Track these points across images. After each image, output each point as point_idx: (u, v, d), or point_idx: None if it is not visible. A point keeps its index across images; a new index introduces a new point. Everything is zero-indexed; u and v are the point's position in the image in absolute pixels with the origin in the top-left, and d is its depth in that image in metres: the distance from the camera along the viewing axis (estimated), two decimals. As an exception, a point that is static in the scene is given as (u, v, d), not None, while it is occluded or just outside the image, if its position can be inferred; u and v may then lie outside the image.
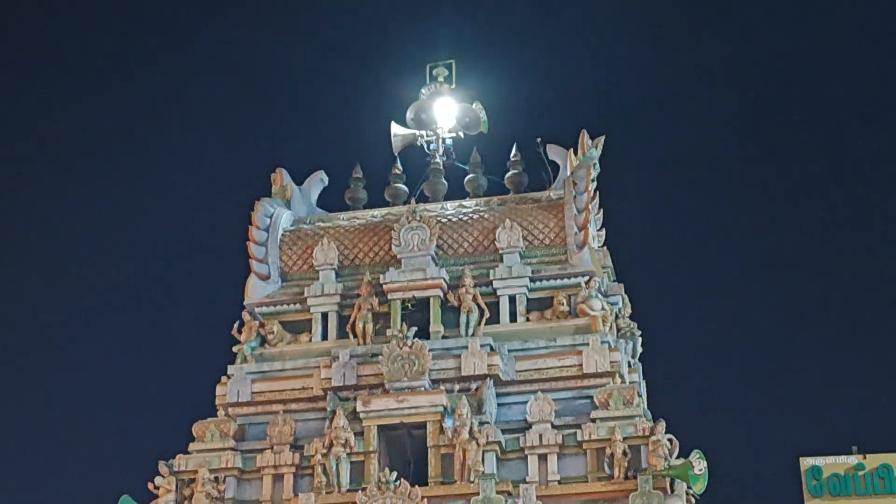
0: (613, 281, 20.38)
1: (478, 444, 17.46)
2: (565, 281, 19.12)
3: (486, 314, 18.89)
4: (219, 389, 19.08)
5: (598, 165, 20.23)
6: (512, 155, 21.53)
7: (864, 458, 36.35)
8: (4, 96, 40.90)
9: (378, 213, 20.80)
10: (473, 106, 22.21)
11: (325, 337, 19.33)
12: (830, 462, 36.43)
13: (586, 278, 18.99)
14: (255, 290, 19.81)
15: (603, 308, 18.92)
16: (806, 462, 36.46)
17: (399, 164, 21.84)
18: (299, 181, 21.48)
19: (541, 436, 17.67)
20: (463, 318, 18.84)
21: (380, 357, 18.25)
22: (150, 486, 18.27)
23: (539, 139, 21.28)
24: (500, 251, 19.36)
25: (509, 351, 18.49)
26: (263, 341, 19.53)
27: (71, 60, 41.92)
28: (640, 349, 20.48)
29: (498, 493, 16.95)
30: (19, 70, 41.53)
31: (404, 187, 21.50)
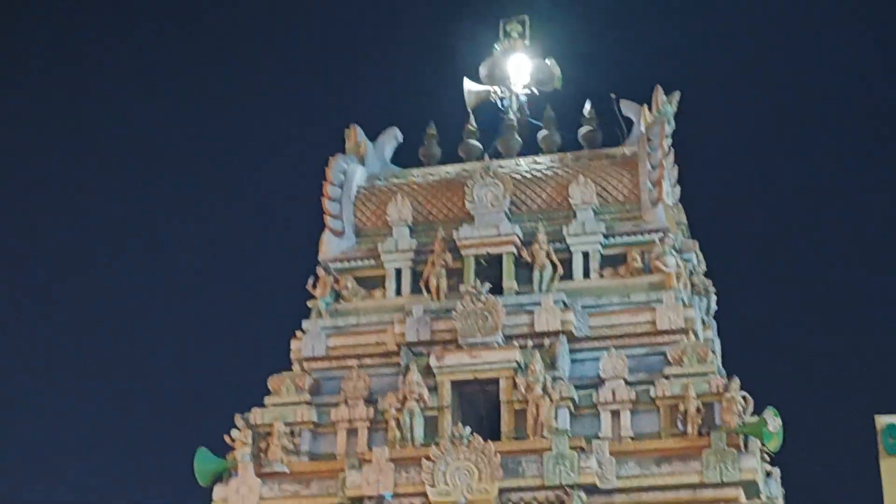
0: (688, 237, 20.28)
1: (551, 399, 17.50)
2: (639, 237, 19.05)
3: (560, 270, 18.88)
4: (294, 344, 19.24)
5: (672, 121, 20.10)
6: (586, 111, 21.44)
7: (941, 416, 36.05)
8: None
9: (452, 169, 20.82)
10: (547, 62, 22.14)
11: (398, 292, 19.43)
12: (906, 422, 36.15)
13: (660, 234, 18.91)
14: (330, 246, 19.94)
15: (677, 265, 18.85)
16: (881, 420, 36.23)
17: (473, 121, 21.82)
18: (373, 138, 21.54)
19: (614, 392, 17.67)
20: (536, 275, 18.85)
21: (453, 313, 18.32)
22: (227, 438, 18.49)
23: (613, 95, 21.17)
24: (574, 207, 19.32)
25: (583, 307, 18.49)
26: (338, 297, 19.67)
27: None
28: (714, 306, 20.39)
29: (571, 448, 16.95)
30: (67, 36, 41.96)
31: (478, 144, 21.49)
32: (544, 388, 17.52)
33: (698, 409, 17.24)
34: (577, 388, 17.78)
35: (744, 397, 17.33)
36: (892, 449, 36.15)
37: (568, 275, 18.96)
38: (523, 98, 21.98)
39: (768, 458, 17.94)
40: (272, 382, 18.90)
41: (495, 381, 17.99)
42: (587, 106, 21.47)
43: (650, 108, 20.46)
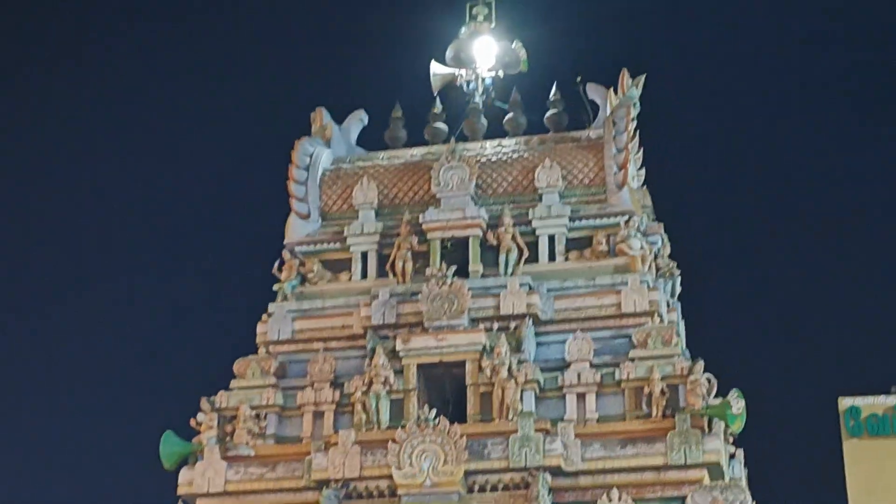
0: (653, 220, 20.35)
1: (516, 382, 17.54)
2: (605, 220, 19.11)
3: (525, 253, 18.92)
4: (259, 327, 19.21)
5: (638, 104, 20.14)
6: (552, 94, 21.45)
7: (903, 397, 36.34)
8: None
9: (417, 152, 20.81)
10: (513, 45, 22.15)
11: (364, 276, 19.42)
12: (869, 402, 36.50)
13: (626, 218, 18.97)
14: (295, 230, 19.91)
15: (642, 247, 18.91)
16: (844, 402, 36.53)
17: (438, 104, 21.80)
18: (339, 120, 21.50)
19: (579, 375, 17.73)
20: (502, 258, 18.89)
21: (419, 296, 18.34)
22: (193, 422, 18.45)
23: (579, 78, 21.20)
24: (540, 191, 19.35)
25: (548, 290, 18.54)
26: (304, 280, 19.65)
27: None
28: (679, 289, 20.49)
29: (536, 430, 17.00)
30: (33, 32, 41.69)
31: (444, 127, 21.48)
32: (510, 371, 17.57)
33: (663, 392, 17.33)
34: (542, 370, 17.83)
35: (708, 379, 17.42)
36: (854, 431, 36.51)
37: (534, 258, 19.00)
38: (489, 81, 21.99)
39: (732, 440, 18.06)
40: (238, 366, 18.86)
41: (461, 364, 18.02)
42: (553, 89, 21.50)
43: (616, 92, 20.50)
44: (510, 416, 17.33)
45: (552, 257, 19.02)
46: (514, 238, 18.93)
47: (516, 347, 17.93)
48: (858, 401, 36.31)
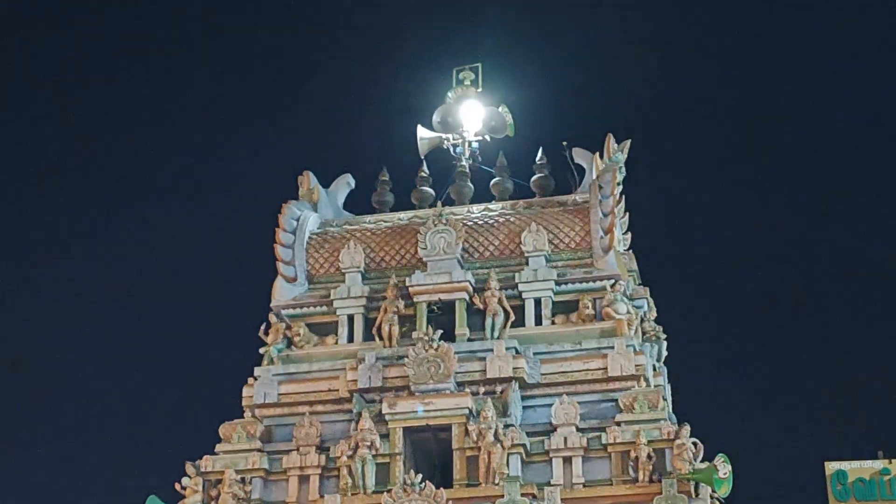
0: (639, 284, 20.41)
1: (503, 446, 17.51)
2: (591, 284, 19.16)
3: (512, 317, 18.94)
4: (245, 391, 19.16)
5: (623, 169, 20.27)
6: (538, 158, 21.59)
7: (891, 462, 36.32)
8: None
9: (404, 216, 20.88)
10: (500, 109, 22.29)
11: (351, 339, 19.41)
12: (856, 467, 36.41)
13: (612, 282, 19.02)
14: (282, 293, 19.92)
15: (628, 311, 18.95)
16: (831, 467, 36.44)
17: (425, 168, 21.92)
18: (326, 184, 21.58)
19: (565, 439, 17.71)
20: (488, 321, 18.90)
21: (405, 359, 18.32)
22: (178, 486, 18.35)
23: (565, 143, 21.35)
24: (526, 254, 19.41)
25: (534, 354, 18.54)
26: (290, 343, 19.63)
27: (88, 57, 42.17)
28: (665, 353, 20.50)
29: (522, 495, 16.97)
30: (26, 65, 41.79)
31: (430, 190, 21.58)
32: (496, 435, 17.53)
33: (649, 456, 17.31)
34: (529, 434, 17.80)
35: (694, 443, 17.40)
36: (841, 496, 36.33)
37: (520, 321, 19.02)
38: (476, 145, 22.11)
39: (719, 504, 18.01)
40: (223, 430, 18.79)
41: (447, 428, 17.99)
42: (539, 153, 21.63)
43: (601, 156, 20.62)
44: (496, 481, 17.28)
45: (539, 321, 19.04)
46: (500, 302, 18.96)
47: (503, 411, 17.91)
48: (845, 465, 36.28)
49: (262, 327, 19.82)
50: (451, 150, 22.12)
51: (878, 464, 37.12)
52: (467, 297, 19.12)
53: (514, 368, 18.21)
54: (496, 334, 18.78)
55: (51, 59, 41.92)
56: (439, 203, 20.93)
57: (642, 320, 19.77)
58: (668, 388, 20.10)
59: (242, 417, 19.04)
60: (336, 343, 19.42)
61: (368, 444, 17.84)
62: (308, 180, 21.30)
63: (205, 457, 18.56)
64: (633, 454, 17.39)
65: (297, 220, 20.38)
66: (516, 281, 19.17)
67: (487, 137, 22.21)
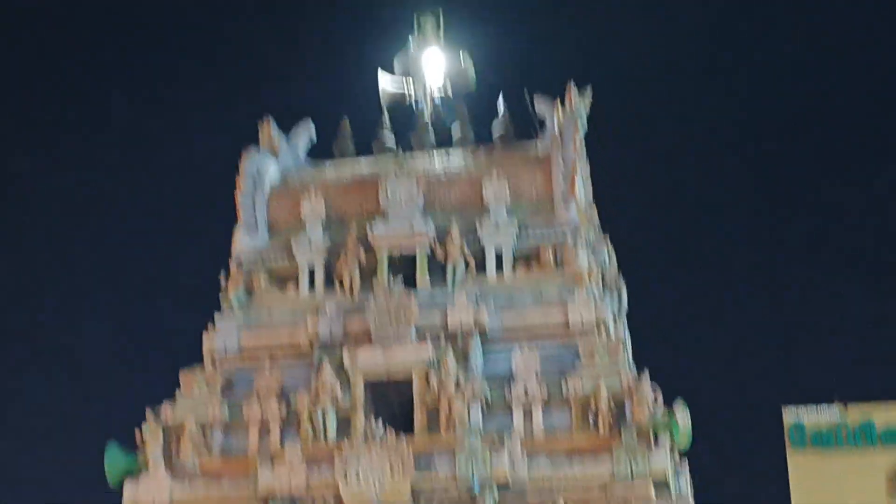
0: (599, 234, 20.40)
1: (463, 396, 17.54)
2: (552, 234, 19.14)
3: (473, 267, 18.92)
4: (206, 340, 19.09)
5: (584, 119, 20.19)
6: (499, 107, 21.50)
7: (846, 408, 36.76)
8: None
9: (365, 164, 20.77)
10: (461, 57, 22.18)
11: (311, 289, 19.34)
12: (813, 416, 36.82)
13: (572, 232, 19.01)
14: (243, 242, 19.82)
15: (589, 261, 18.96)
16: (789, 413, 36.84)
17: (387, 117, 21.79)
18: (286, 131, 21.42)
19: (526, 388, 17.75)
20: (449, 271, 18.88)
21: (366, 309, 18.29)
22: (138, 435, 18.28)
23: (526, 91, 21.25)
24: (487, 204, 19.36)
25: (495, 304, 18.54)
26: (251, 292, 19.54)
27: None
28: (625, 302, 20.55)
29: (483, 444, 17.00)
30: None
31: (392, 139, 21.47)
32: (457, 385, 17.56)
33: (609, 406, 17.37)
34: (489, 384, 17.83)
35: (654, 393, 17.47)
36: (798, 443, 36.79)
37: (481, 271, 19.00)
38: (437, 94, 22.00)
39: (678, 453, 18.12)
40: (184, 379, 18.72)
41: (408, 378, 18.00)
42: (501, 102, 21.55)
43: (563, 104, 20.54)
44: (457, 431, 17.31)
45: (499, 271, 19.02)
46: (461, 251, 18.93)
47: (463, 361, 17.93)
48: (803, 415, 36.67)
49: (223, 276, 19.71)
50: (413, 103, 22.01)
51: (835, 410, 37.57)
52: (428, 247, 19.08)
53: (474, 318, 18.21)
54: (457, 284, 18.76)
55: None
56: (400, 152, 20.83)
57: (602, 270, 19.79)
58: (628, 337, 20.16)
59: (203, 367, 18.96)
60: (297, 293, 19.34)
61: (329, 394, 17.83)
62: (269, 128, 21.12)
63: (165, 405, 18.49)
64: (593, 404, 17.45)
65: (258, 168, 20.23)
66: (477, 231, 19.14)
67: (448, 85, 22.11)
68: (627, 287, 20.69)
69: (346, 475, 16.99)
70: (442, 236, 19.08)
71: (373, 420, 17.49)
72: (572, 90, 20.55)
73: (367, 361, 18.06)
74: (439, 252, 19.02)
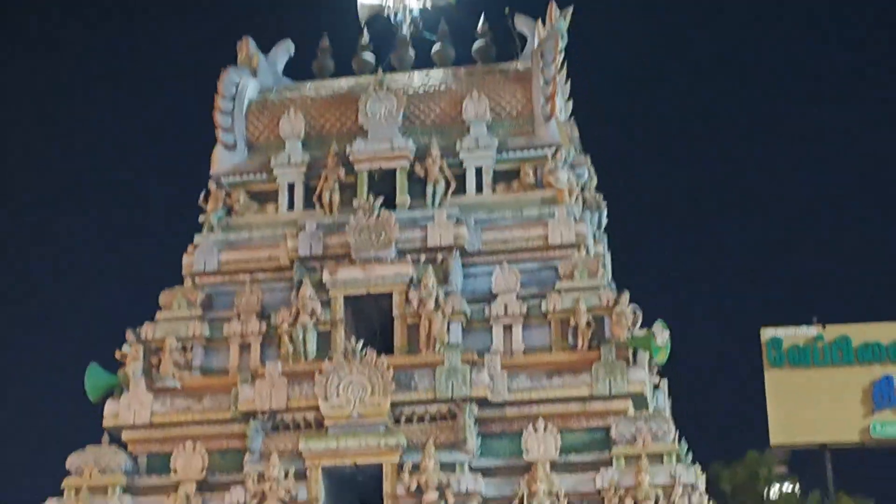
0: (580, 153, 20.38)
1: (443, 314, 17.59)
2: (532, 152, 19.11)
3: (453, 185, 18.91)
4: (185, 258, 19.06)
5: (565, 36, 20.08)
6: (480, 25, 21.36)
7: (824, 328, 37.05)
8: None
9: (345, 82, 20.66)
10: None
11: (291, 207, 19.32)
12: (790, 333, 37.12)
13: (553, 150, 18.98)
14: (222, 160, 19.74)
15: (569, 180, 18.96)
16: (766, 333, 37.10)
17: (366, 35, 21.63)
18: (266, 50, 21.26)
19: (506, 306, 17.81)
20: (429, 189, 18.86)
21: (346, 227, 18.28)
22: (118, 354, 18.32)
23: (507, 9, 21.10)
24: (467, 122, 19.30)
25: (475, 222, 18.55)
26: (230, 211, 19.51)
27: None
28: (605, 221, 20.58)
29: (463, 362, 17.09)
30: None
31: (371, 57, 21.33)
32: (437, 303, 17.61)
33: (588, 323, 17.46)
34: (469, 302, 17.89)
35: (633, 311, 17.56)
36: (776, 361, 37.07)
37: (461, 189, 18.99)
38: (417, 12, 21.83)
39: (657, 370, 18.25)
40: (164, 297, 18.74)
41: (388, 296, 18.04)
42: (481, 20, 21.40)
43: (544, 24, 20.42)
44: (437, 348, 17.40)
45: (479, 189, 19.01)
46: (441, 169, 18.90)
47: (443, 279, 17.97)
48: (780, 332, 36.89)
49: (202, 195, 19.66)
50: (392, 16, 21.84)
51: (813, 330, 37.88)
52: (408, 165, 19.04)
53: (454, 236, 18.22)
54: (437, 202, 18.75)
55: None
56: (380, 70, 20.70)
57: (583, 189, 19.79)
58: (608, 256, 20.21)
59: (182, 285, 18.97)
60: (276, 211, 19.32)
61: (309, 311, 17.87)
62: (247, 46, 20.95)
63: (145, 324, 18.52)
64: (572, 321, 17.53)
65: (237, 86, 20.10)
66: (457, 149, 19.08)
67: (429, 3, 21.94)
68: (608, 207, 20.70)
69: (325, 392, 17.07)
70: (422, 154, 19.03)
71: (353, 338, 17.54)
72: (553, 8, 20.43)
73: (347, 279, 18.08)
74: (419, 170, 18.98)
